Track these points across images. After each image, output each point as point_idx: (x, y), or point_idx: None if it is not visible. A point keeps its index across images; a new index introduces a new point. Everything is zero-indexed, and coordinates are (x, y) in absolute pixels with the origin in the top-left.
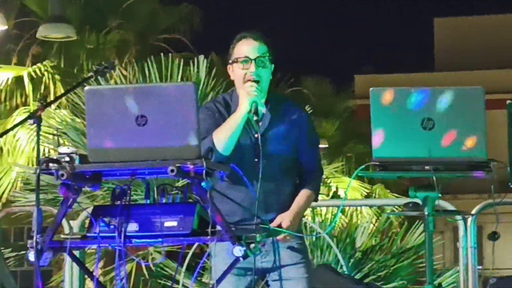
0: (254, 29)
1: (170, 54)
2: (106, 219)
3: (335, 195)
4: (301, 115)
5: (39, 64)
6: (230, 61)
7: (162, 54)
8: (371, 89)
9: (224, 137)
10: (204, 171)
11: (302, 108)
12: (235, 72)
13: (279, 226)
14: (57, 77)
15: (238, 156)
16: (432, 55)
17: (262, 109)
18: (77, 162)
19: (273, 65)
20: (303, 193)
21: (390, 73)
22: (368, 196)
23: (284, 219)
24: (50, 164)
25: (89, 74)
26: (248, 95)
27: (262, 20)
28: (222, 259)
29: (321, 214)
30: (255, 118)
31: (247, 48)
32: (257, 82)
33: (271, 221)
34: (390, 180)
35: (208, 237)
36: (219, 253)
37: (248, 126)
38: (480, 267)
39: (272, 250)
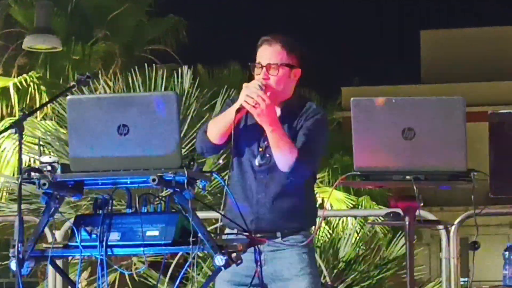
0: (278, 32)
1: (154, 65)
2: (88, 229)
3: (321, 207)
4: (312, 111)
5: (25, 75)
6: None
7: (146, 65)
8: (352, 99)
9: (215, 127)
10: (185, 181)
11: (318, 109)
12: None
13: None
14: (42, 88)
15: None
16: (418, 67)
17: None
18: (59, 171)
19: (297, 70)
20: None
21: (377, 85)
22: (354, 208)
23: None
24: (32, 174)
25: (71, 84)
26: (243, 92)
27: (249, 32)
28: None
29: None
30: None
31: (261, 53)
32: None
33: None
34: (376, 192)
35: (190, 246)
36: None
37: (255, 128)
38: (465, 279)
39: (270, 259)
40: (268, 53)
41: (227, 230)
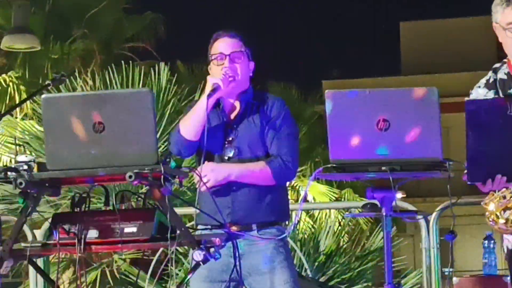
0: (230, 28)
1: (131, 62)
2: (65, 227)
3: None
4: (276, 106)
5: (3, 75)
6: (209, 61)
7: (123, 62)
8: (326, 91)
9: (187, 122)
10: (162, 177)
11: (281, 100)
12: (212, 70)
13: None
14: (22, 87)
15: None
16: (398, 59)
17: (233, 101)
18: (35, 170)
19: (252, 62)
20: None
21: (357, 77)
22: (337, 200)
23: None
24: (9, 173)
25: (46, 83)
26: (211, 77)
27: (228, 26)
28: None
29: None
30: (210, 92)
31: (221, 45)
32: (232, 77)
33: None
34: (359, 184)
35: (168, 242)
36: None
37: (219, 116)
38: (451, 269)
39: (246, 253)
40: (230, 43)
41: (200, 226)
